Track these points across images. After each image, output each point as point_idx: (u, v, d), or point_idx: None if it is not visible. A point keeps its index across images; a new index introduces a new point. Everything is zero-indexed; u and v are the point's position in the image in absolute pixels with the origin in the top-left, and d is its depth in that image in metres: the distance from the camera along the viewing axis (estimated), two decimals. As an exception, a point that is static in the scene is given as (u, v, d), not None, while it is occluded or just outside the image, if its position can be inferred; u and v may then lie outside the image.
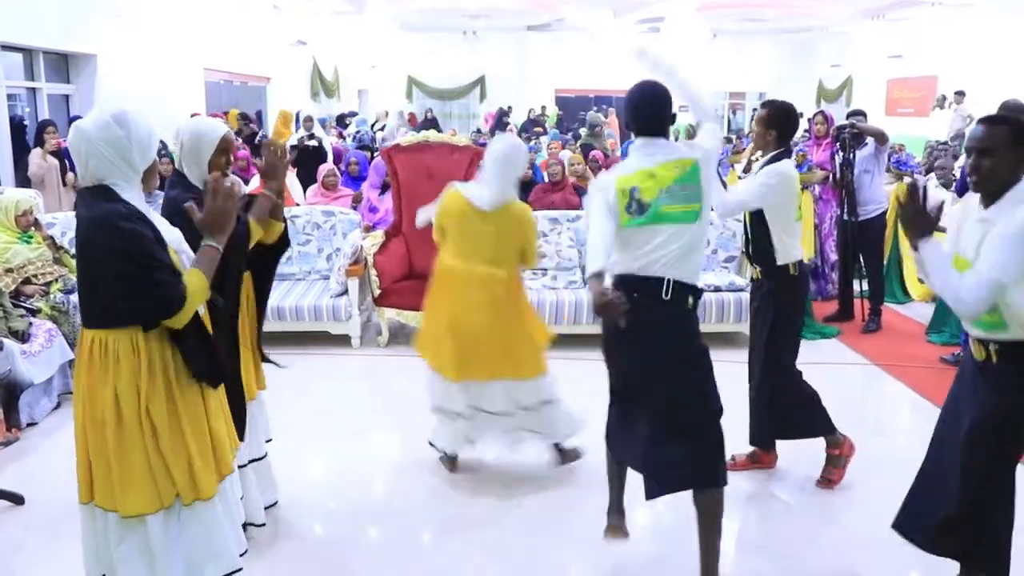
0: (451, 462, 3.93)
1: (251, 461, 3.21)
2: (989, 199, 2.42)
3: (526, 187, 6.72)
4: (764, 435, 3.86)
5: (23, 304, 4.67)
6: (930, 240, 2.44)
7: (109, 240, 2.19)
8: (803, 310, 3.85)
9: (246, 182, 6.93)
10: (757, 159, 3.85)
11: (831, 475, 3.78)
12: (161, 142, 8.66)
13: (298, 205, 7.07)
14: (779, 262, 3.63)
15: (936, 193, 6.69)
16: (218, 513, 2.47)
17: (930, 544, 2.70)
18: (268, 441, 3.40)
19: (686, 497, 2.83)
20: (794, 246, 3.65)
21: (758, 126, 3.70)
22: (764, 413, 3.77)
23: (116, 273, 2.21)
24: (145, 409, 2.30)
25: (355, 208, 7.06)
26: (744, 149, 9.05)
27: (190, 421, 2.38)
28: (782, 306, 3.66)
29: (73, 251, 5.20)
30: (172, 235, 2.42)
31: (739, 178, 8.18)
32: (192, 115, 9.09)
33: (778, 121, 3.64)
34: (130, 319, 2.27)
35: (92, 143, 2.25)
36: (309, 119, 11.99)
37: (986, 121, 2.45)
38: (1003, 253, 2.29)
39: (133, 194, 2.31)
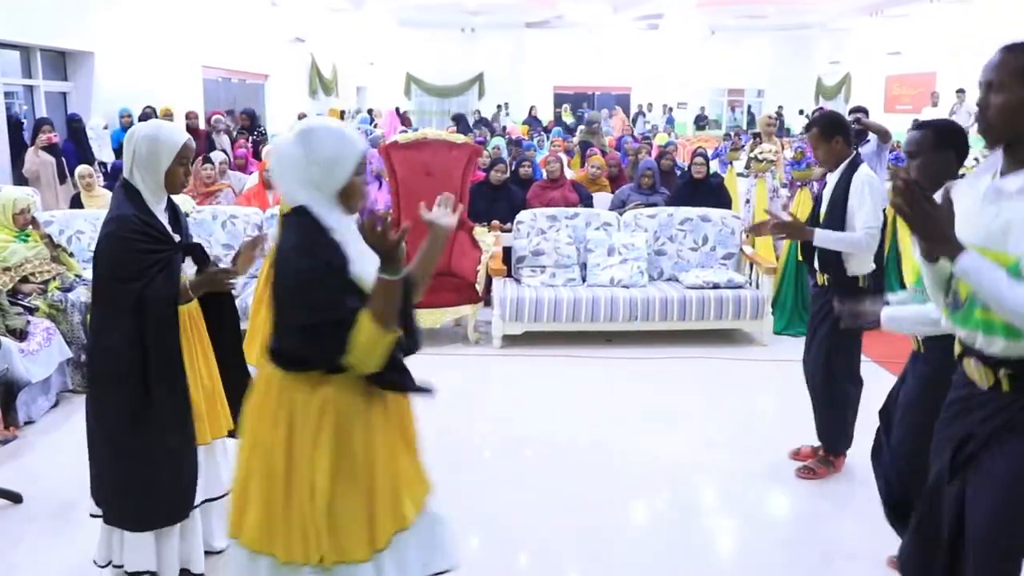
0: None
1: (204, 501, 2.78)
2: None
3: (525, 184, 6.69)
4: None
5: (21, 302, 4.66)
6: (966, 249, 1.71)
7: (289, 275, 1.90)
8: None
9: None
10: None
11: (817, 469, 3.72)
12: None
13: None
14: (850, 272, 3.49)
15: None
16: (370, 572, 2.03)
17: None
18: None
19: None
20: (866, 258, 3.49)
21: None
22: (826, 415, 3.71)
23: (295, 312, 1.90)
24: (313, 461, 1.95)
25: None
26: (742, 147, 9.05)
27: (361, 476, 1.99)
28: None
29: (71, 249, 5.22)
30: (365, 264, 1.95)
31: (738, 175, 8.20)
32: (163, 115, 9.07)
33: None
34: (306, 363, 1.95)
35: (280, 163, 1.98)
36: (303, 116, 12.09)
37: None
38: None
39: (332, 218, 1.93)
